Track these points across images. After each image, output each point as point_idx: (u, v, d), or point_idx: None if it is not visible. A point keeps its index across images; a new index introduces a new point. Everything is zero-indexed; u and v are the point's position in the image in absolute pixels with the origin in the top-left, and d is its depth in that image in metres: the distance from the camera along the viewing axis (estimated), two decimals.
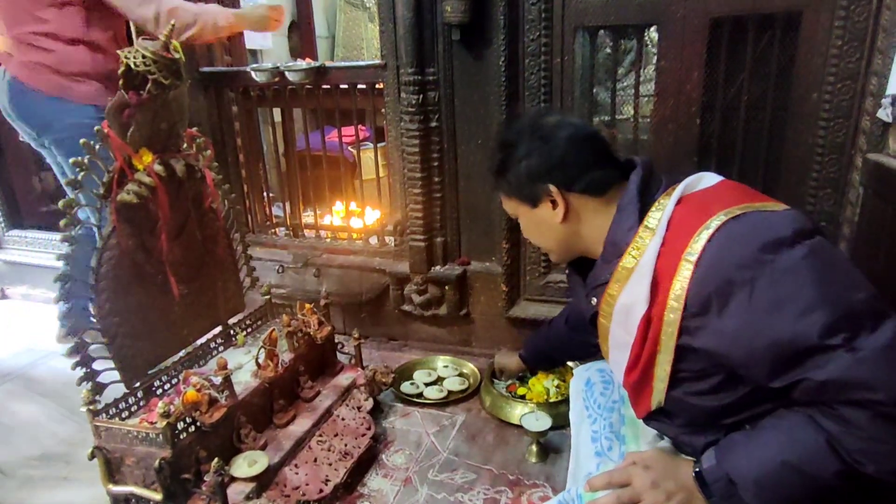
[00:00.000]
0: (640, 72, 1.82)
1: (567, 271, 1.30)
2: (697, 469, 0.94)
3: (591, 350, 1.37)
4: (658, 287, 0.92)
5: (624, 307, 0.98)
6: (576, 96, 1.76)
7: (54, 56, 1.82)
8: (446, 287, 2.05)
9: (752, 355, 0.84)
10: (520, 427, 1.60)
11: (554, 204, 1.08)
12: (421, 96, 1.84)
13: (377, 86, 2.06)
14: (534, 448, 1.57)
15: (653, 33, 1.78)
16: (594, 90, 1.81)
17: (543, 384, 1.77)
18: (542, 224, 1.12)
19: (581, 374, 1.36)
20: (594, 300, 1.08)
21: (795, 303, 0.80)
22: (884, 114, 1.43)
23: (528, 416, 1.59)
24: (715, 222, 0.87)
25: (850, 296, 0.80)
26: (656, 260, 0.92)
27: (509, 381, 1.86)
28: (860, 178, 1.53)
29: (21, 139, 2.05)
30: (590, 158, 1.07)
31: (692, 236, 0.88)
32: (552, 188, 1.06)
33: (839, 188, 1.60)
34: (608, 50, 1.79)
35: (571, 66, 1.73)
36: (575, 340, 1.57)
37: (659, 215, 0.95)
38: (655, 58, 1.70)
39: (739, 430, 0.95)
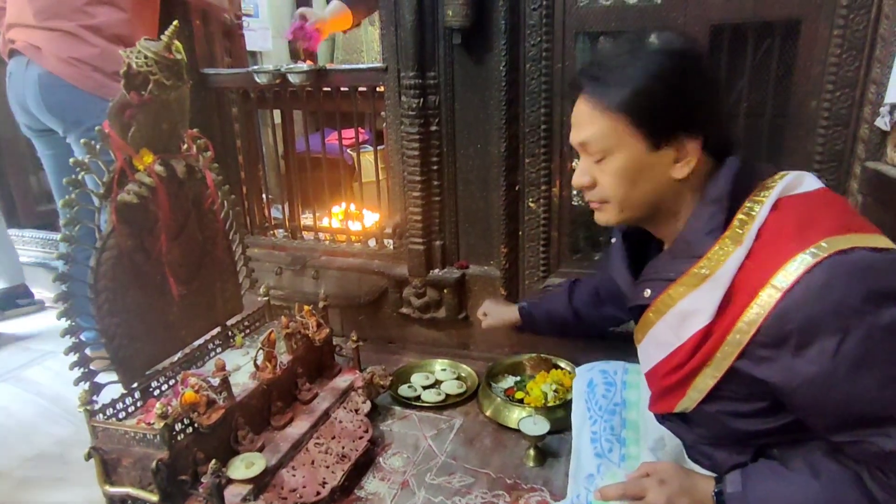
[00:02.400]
0: None
1: (613, 240, 1.13)
2: (719, 489, 0.89)
3: (604, 330, 1.28)
4: (729, 303, 0.84)
5: (682, 312, 0.90)
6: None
7: (97, 52, 1.81)
8: (445, 290, 2.05)
9: (820, 406, 0.79)
10: (518, 431, 1.60)
11: (680, 155, 0.89)
12: (421, 100, 1.85)
13: (378, 89, 2.06)
14: (531, 452, 1.57)
15: (654, 40, 1.78)
16: None
17: (541, 388, 1.77)
18: (647, 174, 0.90)
19: (583, 375, 1.36)
20: (648, 292, 0.97)
21: (886, 367, 0.74)
22: (882, 122, 1.44)
23: (526, 420, 1.58)
24: (815, 253, 0.77)
25: None
26: (735, 274, 0.83)
27: (508, 386, 1.86)
28: (859, 187, 1.53)
29: (23, 132, 2.04)
30: (725, 114, 0.94)
31: (786, 261, 0.78)
32: (698, 138, 0.87)
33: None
34: None
35: (572, 72, 1.74)
36: (594, 316, 1.47)
37: (750, 222, 0.84)
38: None
39: (768, 452, 0.91)
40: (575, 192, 1.90)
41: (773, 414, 0.87)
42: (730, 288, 0.83)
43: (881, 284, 0.75)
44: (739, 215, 0.86)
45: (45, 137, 1.96)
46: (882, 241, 0.80)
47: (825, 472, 0.83)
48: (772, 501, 0.84)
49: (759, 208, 0.84)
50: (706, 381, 0.88)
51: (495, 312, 1.75)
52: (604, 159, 0.91)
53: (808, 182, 0.89)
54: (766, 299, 0.78)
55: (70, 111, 1.84)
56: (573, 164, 1.84)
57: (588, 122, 0.91)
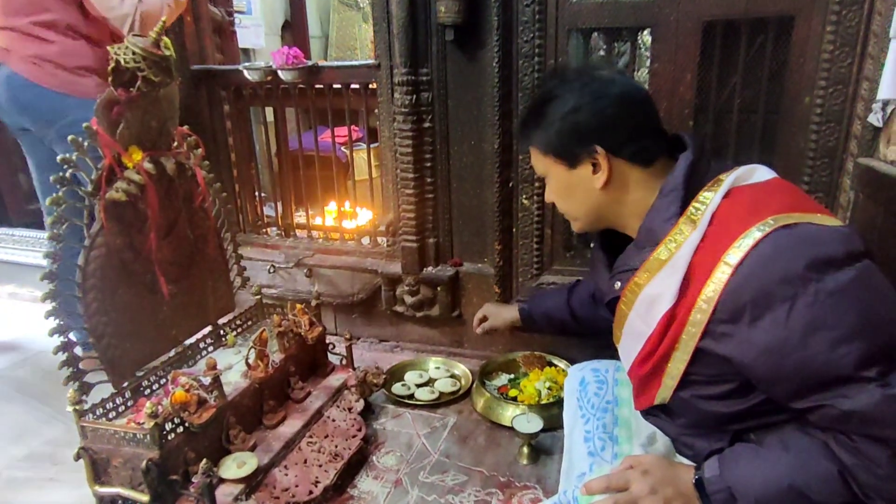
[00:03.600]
0: (633, 74, 1.82)
1: (593, 245, 1.23)
2: (698, 477, 0.92)
3: (600, 331, 1.31)
4: (689, 285, 0.88)
5: (648, 298, 0.95)
6: None
7: (56, 48, 1.79)
8: (438, 288, 2.04)
9: (778, 373, 0.82)
10: (511, 429, 1.60)
11: (595, 168, 1.00)
12: (414, 97, 1.84)
13: (370, 86, 2.05)
14: (525, 450, 1.56)
15: (646, 36, 1.78)
16: None
17: (535, 386, 1.76)
18: (576, 188, 1.04)
19: (575, 374, 1.36)
20: (618, 284, 1.04)
21: (835, 328, 0.77)
22: (874, 118, 1.44)
23: (520, 417, 1.58)
24: (762, 228, 0.82)
25: (892, 329, 0.78)
26: (692, 256, 0.89)
27: (502, 383, 1.86)
28: (851, 183, 1.54)
29: (9, 134, 2.02)
30: (642, 123, 0.99)
31: (735, 239, 0.83)
32: (599, 150, 0.98)
33: (831, 192, 1.61)
34: (602, 52, 1.79)
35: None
36: (591, 318, 1.52)
37: (703, 208, 0.90)
38: (649, 60, 1.71)
39: (744, 437, 0.94)
40: None
41: (743, 395, 0.90)
42: (688, 270, 0.89)
43: (822, 252, 0.79)
44: (694, 203, 0.92)
45: (28, 136, 1.94)
46: (828, 220, 0.85)
47: (794, 444, 0.86)
48: (747, 479, 0.87)
49: (713, 196, 0.90)
50: (677, 365, 0.92)
51: (495, 314, 1.80)
52: (546, 182, 1.11)
53: (759, 173, 0.95)
54: (720, 276, 0.83)
55: (39, 111, 1.83)
56: None
57: (532, 157, 1.12)
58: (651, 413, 1.06)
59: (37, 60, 1.79)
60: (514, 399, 1.75)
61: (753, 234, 0.82)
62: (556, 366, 1.88)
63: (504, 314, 1.77)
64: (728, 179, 0.92)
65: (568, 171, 1.04)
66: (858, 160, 1.50)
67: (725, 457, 0.91)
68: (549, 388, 1.75)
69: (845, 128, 1.54)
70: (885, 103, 1.40)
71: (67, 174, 1.28)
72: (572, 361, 1.76)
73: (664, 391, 0.97)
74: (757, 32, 1.62)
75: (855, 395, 0.77)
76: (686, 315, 0.88)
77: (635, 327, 1.00)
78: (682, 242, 0.90)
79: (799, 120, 1.60)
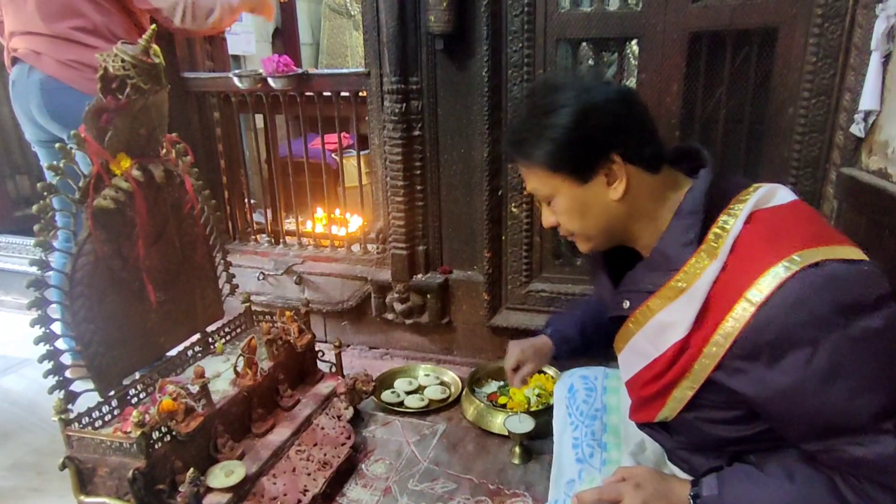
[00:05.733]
0: (621, 84, 1.84)
1: (590, 255, 1.11)
2: (694, 494, 0.90)
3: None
4: (705, 316, 0.84)
5: (660, 324, 0.91)
6: None
7: (96, 53, 1.80)
8: (428, 295, 2.05)
9: (792, 415, 0.80)
10: (501, 436, 1.60)
11: (609, 178, 0.92)
12: (404, 105, 1.85)
13: (360, 94, 2.06)
14: (517, 450, 1.57)
15: (634, 46, 1.80)
16: None
17: (524, 393, 1.77)
18: (591, 204, 0.95)
19: (564, 381, 1.36)
20: (627, 304, 0.98)
21: (856, 378, 0.75)
22: (857, 129, 1.46)
23: (512, 418, 1.59)
24: (788, 266, 0.77)
25: None
26: (711, 287, 0.84)
27: (491, 391, 1.86)
28: (834, 192, 1.56)
29: (32, 147, 2.01)
30: (648, 126, 0.93)
31: (760, 274, 0.79)
32: (616, 158, 0.90)
33: (814, 201, 1.63)
34: (590, 62, 1.81)
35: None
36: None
37: (724, 235, 0.85)
38: (636, 70, 1.73)
39: (744, 458, 0.92)
40: None
41: (749, 422, 0.87)
42: (705, 301, 0.84)
43: (850, 296, 0.76)
44: (714, 229, 0.87)
45: (49, 150, 1.93)
46: (853, 253, 0.81)
47: (800, 475, 0.83)
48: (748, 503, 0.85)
49: (733, 221, 0.85)
50: (684, 391, 0.89)
51: (527, 354, 1.38)
52: (551, 203, 0.99)
53: (780, 195, 0.90)
54: (741, 313, 0.79)
55: (72, 115, 1.80)
56: None
57: (527, 178, 1.01)
58: (647, 426, 1.03)
59: (75, 64, 1.79)
60: (504, 406, 1.76)
61: (779, 273, 0.78)
62: (545, 373, 1.89)
63: (536, 346, 1.39)
64: (749, 202, 0.87)
65: (581, 187, 0.94)
66: (841, 170, 1.52)
67: (725, 478, 0.89)
68: (539, 395, 1.76)
69: (828, 138, 1.57)
70: (867, 114, 1.43)
71: (55, 181, 1.27)
72: (562, 368, 1.76)
73: (667, 412, 0.94)
74: (742, 44, 1.65)
75: (869, 444, 0.75)
76: (700, 347, 0.84)
77: (641, 347, 0.96)
78: (700, 272, 0.85)
79: (783, 130, 1.62)
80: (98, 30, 1.80)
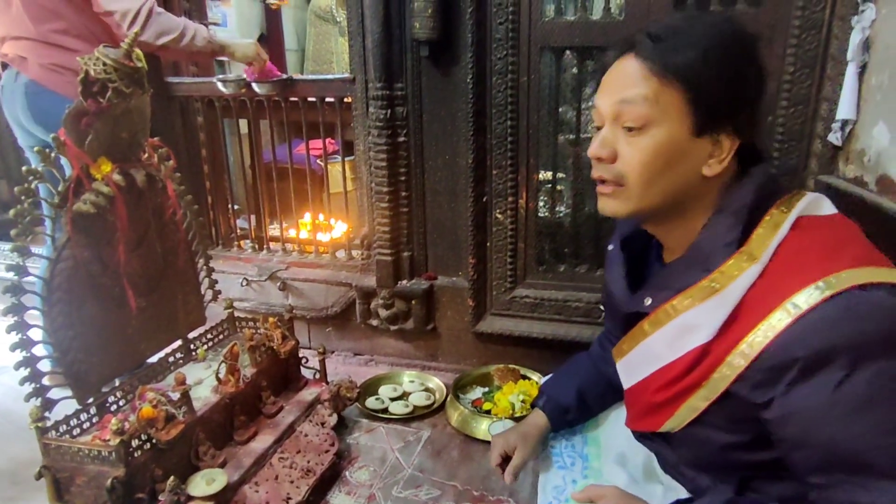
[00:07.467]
0: None
1: (610, 247, 1.04)
2: None
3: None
4: (734, 323, 0.78)
5: (682, 325, 0.84)
6: (542, 114, 1.80)
7: (77, 56, 1.78)
8: (413, 301, 2.04)
9: (807, 440, 0.73)
10: (485, 442, 1.60)
11: (715, 150, 0.81)
12: (389, 111, 1.85)
13: (345, 100, 2.06)
14: None
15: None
16: (560, 109, 1.84)
17: (509, 399, 1.77)
18: (680, 161, 0.81)
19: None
20: (649, 301, 0.90)
21: (886, 416, 0.68)
22: (834, 137, 1.49)
23: (496, 424, 1.58)
24: (833, 283, 0.71)
25: None
26: (747, 291, 0.78)
27: (476, 397, 1.86)
28: None
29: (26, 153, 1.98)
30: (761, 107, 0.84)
31: (804, 286, 0.72)
32: (733, 141, 0.80)
33: None
34: (574, 70, 1.83)
35: (538, 85, 1.76)
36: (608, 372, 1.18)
37: (769, 239, 0.78)
38: None
39: (749, 484, 0.87)
40: (542, 204, 1.93)
41: (758, 448, 0.82)
42: (738, 306, 0.78)
43: None
44: (759, 230, 0.80)
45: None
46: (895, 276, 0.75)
47: None
48: None
49: (781, 224, 0.79)
50: (698, 402, 0.83)
51: (519, 441, 1.22)
52: (640, 130, 0.81)
53: (826, 205, 0.84)
54: (776, 323, 0.73)
55: (56, 119, 1.79)
56: (538, 175, 1.86)
57: (635, 84, 0.80)
58: (647, 437, 0.99)
59: (58, 68, 1.77)
60: (488, 412, 1.76)
61: (824, 288, 0.71)
62: (529, 378, 1.89)
63: (521, 431, 1.24)
64: (798, 206, 0.80)
65: (690, 136, 0.80)
66: (819, 177, 1.55)
67: None
68: (523, 401, 1.76)
69: (806, 146, 1.60)
70: (844, 123, 1.46)
71: (34, 185, 1.25)
72: (545, 374, 1.77)
73: (675, 421, 0.87)
74: None
75: (875, 491, 0.68)
76: (723, 355, 0.78)
77: (655, 350, 0.89)
78: (738, 275, 0.78)
79: (762, 139, 1.64)
80: (81, 33, 1.79)
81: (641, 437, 1.03)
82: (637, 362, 0.94)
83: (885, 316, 0.70)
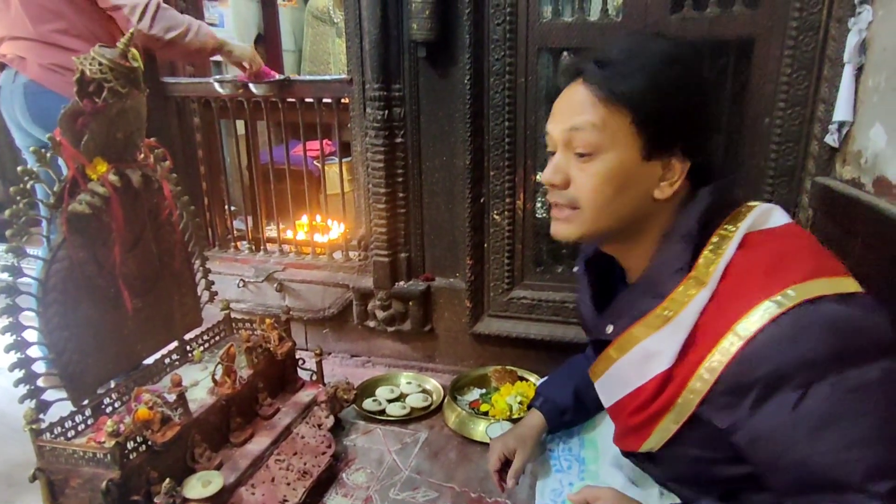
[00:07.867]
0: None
1: (576, 269, 1.04)
2: None
3: None
4: (692, 348, 0.79)
5: (644, 352, 0.85)
6: (539, 116, 1.79)
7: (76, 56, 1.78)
8: (410, 303, 2.04)
9: (775, 464, 0.74)
10: (483, 444, 1.60)
11: (666, 173, 0.82)
12: (386, 112, 1.85)
13: (343, 100, 2.05)
14: None
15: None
16: None
17: (506, 400, 1.77)
18: (630, 181, 0.82)
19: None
20: (610, 328, 0.92)
21: (848, 430, 0.68)
22: (831, 139, 1.49)
23: (494, 425, 1.59)
24: (781, 302, 0.71)
25: None
26: (699, 317, 0.78)
27: (473, 398, 1.86)
28: (809, 201, 1.59)
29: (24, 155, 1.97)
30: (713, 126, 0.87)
31: (751, 307, 0.73)
32: (684, 163, 0.81)
33: (790, 210, 1.65)
34: None
35: (535, 86, 1.76)
36: None
37: (715, 261, 0.78)
38: None
39: (739, 496, 0.87)
40: (539, 205, 1.93)
41: (737, 463, 0.81)
42: (692, 332, 0.79)
43: (849, 343, 0.70)
44: (705, 252, 0.80)
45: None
46: (849, 285, 0.75)
47: None
48: None
49: (726, 245, 0.79)
50: (669, 424, 0.84)
51: (518, 441, 1.23)
52: (591, 156, 0.82)
53: (776, 217, 0.84)
54: (728, 347, 0.74)
55: (54, 119, 1.79)
56: (535, 177, 1.86)
57: (583, 111, 0.82)
58: (633, 455, 0.99)
59: (57, 68, 1.77)
60: (486, 414, 1.75)
61: (771, 308, 0.71)
62: (527, 380, 1.89)
63: (518, 433, 1.25)
64: (744, 224, 0.80)
65: (639, 160, 0.80)
66: (816, 179, 1.55)
67: None
68: (521, 403, 1.76)
69: (803, 148, 1.60)
70: (841, 124, 1.46)
71: (29, 185, 1.25)
72: (543, 375, 1.77)
73: (652, 443, 0.88)
74: (719, 55, 1.68)
75: None
76: (685, 380, 0.79)
77: (623, 375, 0.90)
78: (688, 301, 0.79)
79: (759, 140, 1.65)
80: (80, 33, 1.78)
81: (627, 455, 1.03)
82: (610, 384, 0.95)
83: (835, 329, 0.70)
